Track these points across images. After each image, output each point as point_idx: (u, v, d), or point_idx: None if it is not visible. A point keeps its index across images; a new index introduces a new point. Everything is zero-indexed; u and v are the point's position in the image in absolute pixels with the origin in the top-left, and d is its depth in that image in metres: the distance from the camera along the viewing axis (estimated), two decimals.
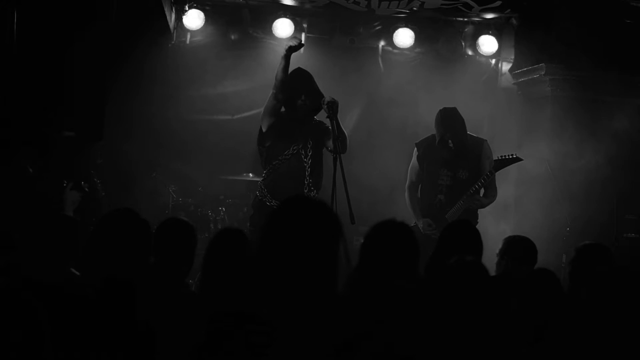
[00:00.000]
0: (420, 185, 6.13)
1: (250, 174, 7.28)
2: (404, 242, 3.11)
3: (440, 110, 6.06)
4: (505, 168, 5.97)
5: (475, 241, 4.00)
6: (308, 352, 2.20)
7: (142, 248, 3.29)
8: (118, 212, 3.42)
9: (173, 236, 3.52)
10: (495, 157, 5.94)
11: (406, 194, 6.15)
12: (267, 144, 5.60)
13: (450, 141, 5.90)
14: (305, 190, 5.50)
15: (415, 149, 6.17)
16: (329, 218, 2.37)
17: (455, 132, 5.91)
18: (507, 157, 5.91)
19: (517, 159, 5.93)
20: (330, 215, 2.39)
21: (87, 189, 4.64)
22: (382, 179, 7.37)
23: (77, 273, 3.31)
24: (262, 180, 5.68)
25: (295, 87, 5.51)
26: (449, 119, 5.95)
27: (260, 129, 5.62)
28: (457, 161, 5.93)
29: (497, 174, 5.96)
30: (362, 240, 3.21)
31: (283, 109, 5.60)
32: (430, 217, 5.94)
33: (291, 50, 5.41)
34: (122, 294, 2.73)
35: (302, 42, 5.44)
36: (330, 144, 5.44)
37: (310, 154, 5.56)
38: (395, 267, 3.03)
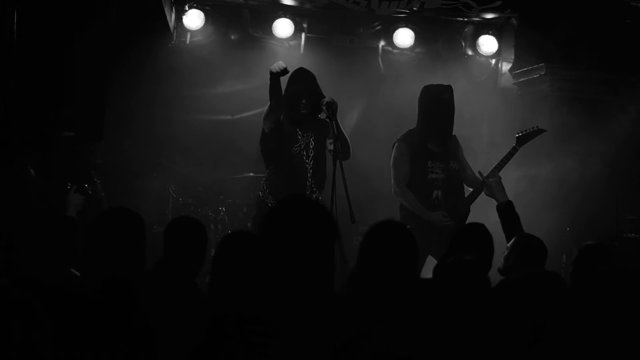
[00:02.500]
0: (408, 184, 5.65)
1: (251, 173, 7.28)
2: (402, 242, 3.11)
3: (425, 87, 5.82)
4: (505, 167, 5.93)
5: (486, 243, 4.00)
6: (308, 353, 2.20)
7: (138, 243, 3.29)
8: (111, 211, 3.46)
9: (184, 234, 3.53)
10: (517, 133, 5.68)
11: (400, 195, 5.62)
12: (269, 144, 5.60)
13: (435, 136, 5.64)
14: (308, 192, 5.47)
15: (397, 144, 5.70)
16: (323, 218, 2.36)
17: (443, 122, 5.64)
18: (529, 130, 5.65)
19: (541, 131, 5.66)
20: (325, 214, 2.38)
21: (90, 192, 4.65)
22: (382, 178, 7.35)
23: (77, 273, 3.31)
24: (264, 180, 5.67)
25: (297, 89, 5.46)
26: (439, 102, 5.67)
27: (263, 130, 5.61)
28: (445, 153, 5.67)
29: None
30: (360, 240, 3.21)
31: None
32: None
33: (275, 75, 5.31)
34: (122, 294, 2.74)
35: (286, 68, 5.27)
36: (329, 144, 5.39)
37: (312, 154, 5.52)
38: (393, 267, 3.03)
